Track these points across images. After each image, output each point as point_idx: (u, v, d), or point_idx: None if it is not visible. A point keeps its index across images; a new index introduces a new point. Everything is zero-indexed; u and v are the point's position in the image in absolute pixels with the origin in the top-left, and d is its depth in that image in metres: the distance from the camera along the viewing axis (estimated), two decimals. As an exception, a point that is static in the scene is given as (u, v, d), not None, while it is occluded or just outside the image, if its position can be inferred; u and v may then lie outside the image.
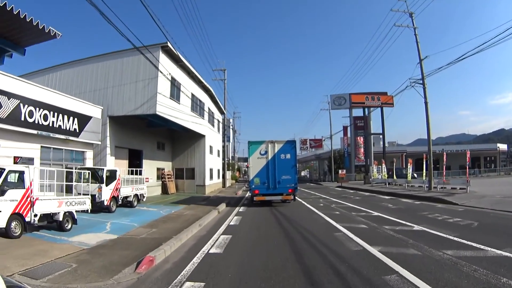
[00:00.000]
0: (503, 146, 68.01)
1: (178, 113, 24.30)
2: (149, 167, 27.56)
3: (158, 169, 29.51)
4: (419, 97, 28.84)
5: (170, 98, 22.93)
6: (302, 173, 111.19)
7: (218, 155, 41.97)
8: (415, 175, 35.52)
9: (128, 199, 19.10)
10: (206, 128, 33.07)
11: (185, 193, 31.11)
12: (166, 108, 21.95)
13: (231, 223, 13.07)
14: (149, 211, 17.96)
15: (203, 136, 32.15)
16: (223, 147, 45.52)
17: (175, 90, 23.99)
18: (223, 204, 20.10)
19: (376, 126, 61.59)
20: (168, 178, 30.62)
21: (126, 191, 18.90)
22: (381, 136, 60.19)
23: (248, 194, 23.45)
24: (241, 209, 18.42)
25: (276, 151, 19.28)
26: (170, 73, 22.36)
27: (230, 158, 79.87)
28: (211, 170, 35.28)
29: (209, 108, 34.99)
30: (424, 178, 28.10)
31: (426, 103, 26.03)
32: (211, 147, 35.55)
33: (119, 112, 21.68)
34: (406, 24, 27.76)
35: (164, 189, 29.92)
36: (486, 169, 66.11)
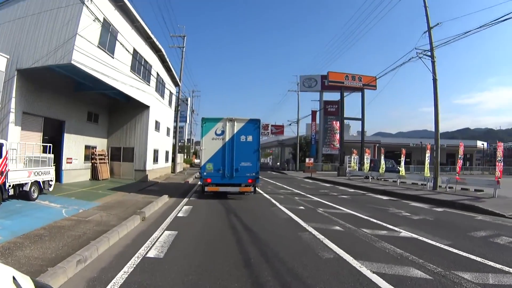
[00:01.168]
0: (480, 144, 66.38)
1: (111, 70, 18.36)
2: (74, 144, 21.67)
3: (87, 147, 23.41)
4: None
5: (98, 47, 17.01)
6: (262, 160, 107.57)
7: (168, 134, 35.87)
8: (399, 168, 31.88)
9: (24, 188, 13.26)
10: (152, 98, 27.12)
11: (121, 179, 25.37)
12: (90, 59, 16.00)
13: (149, 255, 6.85)
14: (48, 208, 12.35)
15: (147, 107, 26.12)
16: (176, 126, 39.31)
17: (109, 38, 18.04)
18: (161, 200, 15.06)
19: (348, 113, 57.31)
20: (101, 159, 24.62)
21: (19, 176, 13.02)
22: (350, 123, 56.51)
23: (200, 182, 18.56)
24: (182, 211, 12.86)
25: (235, 131, 16.46)
26: (102, 12, 16.46)
27: (186, 140, 74.82)
28: (155, 151, 29.44)
29: (158, 74, 28.84)
30: (427, 174, 23.70)
31: (435, 80, 21.95)
32: (157, 123, 29.60)
33: (28, 63, 15.66)
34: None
35: (95, 174, 23.95)
36: (463, 166, 64.80)
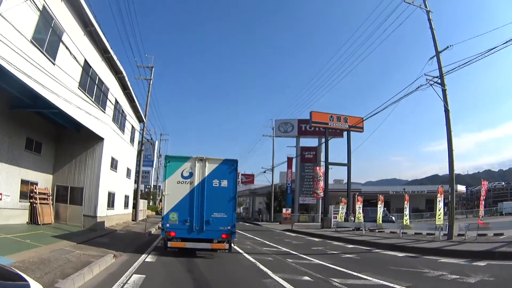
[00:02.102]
0: (461, 188, 63.59)
1: (50, 80, 13.98)
2: (6, 175, 16.86)
3: (24, 182, 18.43)
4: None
5: (32, 43, 12.71)
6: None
7: (129, 176, 31.00)
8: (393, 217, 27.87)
9: None
10: (108, 129, 22.53)
11: (67, 225, 20.34)
12: (17, 55, 11.55)
13: None
14: None
15: (101, 139, 21.43)
16: (139, 167, 34.43)
17: (49, 36, 13.82)
18: (103, 261, 10.49)
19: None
20: (42, 199, 19.58)
21: None
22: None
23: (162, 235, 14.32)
24: (128, 286, 7.89)
25: (207, 174, 13.42)
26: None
27: (152, 186, 70.38)
28: (111, 194, 24.40)
29: (117, 101, 24.49)
30: (439, 221, 19.99)
31: (447, 110, 19.48)
32: (114, 160, 24.77)
33: None
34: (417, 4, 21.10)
35: (33, 217, 18.80)
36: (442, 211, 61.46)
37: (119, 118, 25.30)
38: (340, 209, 32.98)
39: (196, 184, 13.15)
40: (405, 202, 24.11)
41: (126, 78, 24.77)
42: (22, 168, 18.21)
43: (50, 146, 21.30)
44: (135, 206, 33.62)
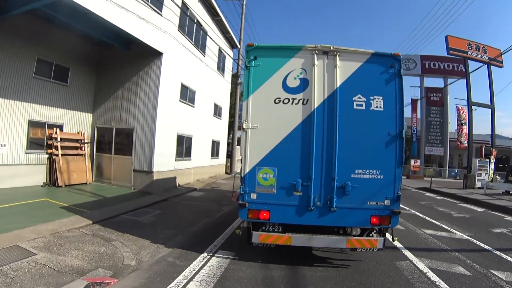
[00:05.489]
0: None
1: None
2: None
3: (35, 124, 12.76)
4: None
5: None
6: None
7: (218, 115, 23.65)
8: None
9: None
10: (170, 39, 14.72)
11: (111, 185, 14.43)
12: None
13: None
14: None
15: (158, 54, 14.04)
16: (235, 103, 27.19)
17: None
18: None
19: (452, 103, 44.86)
20: (71, 149, 13.94)
21: None
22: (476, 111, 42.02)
23: (240, 217, 6.34)
24: None
25: (339, 82, 5.46)
26: None
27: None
28: (184, 139, 17.23)
29: (184, 3, 16.13)
30: None
31: None
32: (186, 90, 17.22)
33: None
34: None
35: (53, 175, 13.13)
36: None
37: (192, 29, 17.60)
38: (489, 164, 24.55)
39: (316, 105, 5.73)
40: None
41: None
42: (30, 103, 12.44)
43: (86, 73, 15.10)
44: (230, 154, 26.98)
